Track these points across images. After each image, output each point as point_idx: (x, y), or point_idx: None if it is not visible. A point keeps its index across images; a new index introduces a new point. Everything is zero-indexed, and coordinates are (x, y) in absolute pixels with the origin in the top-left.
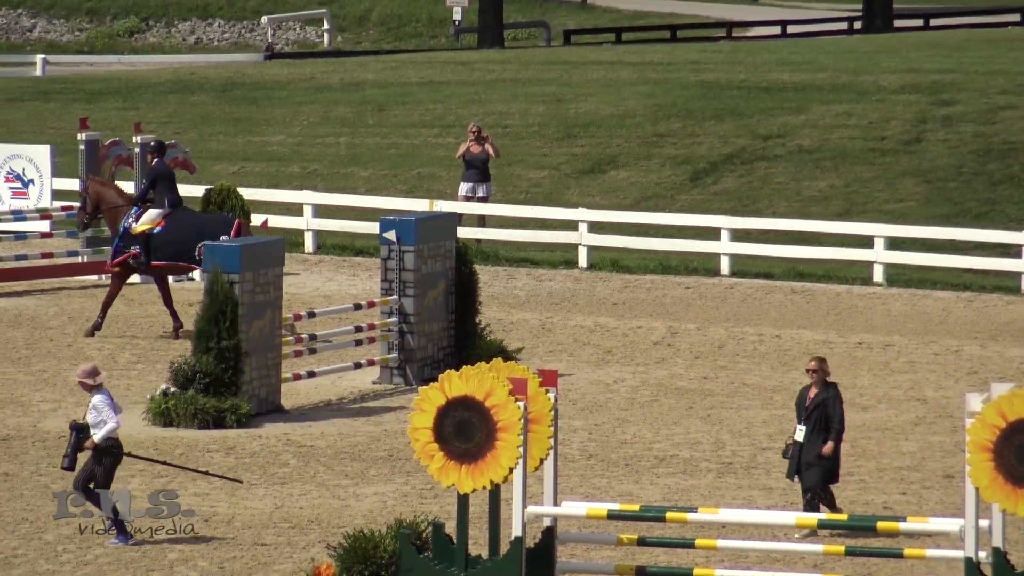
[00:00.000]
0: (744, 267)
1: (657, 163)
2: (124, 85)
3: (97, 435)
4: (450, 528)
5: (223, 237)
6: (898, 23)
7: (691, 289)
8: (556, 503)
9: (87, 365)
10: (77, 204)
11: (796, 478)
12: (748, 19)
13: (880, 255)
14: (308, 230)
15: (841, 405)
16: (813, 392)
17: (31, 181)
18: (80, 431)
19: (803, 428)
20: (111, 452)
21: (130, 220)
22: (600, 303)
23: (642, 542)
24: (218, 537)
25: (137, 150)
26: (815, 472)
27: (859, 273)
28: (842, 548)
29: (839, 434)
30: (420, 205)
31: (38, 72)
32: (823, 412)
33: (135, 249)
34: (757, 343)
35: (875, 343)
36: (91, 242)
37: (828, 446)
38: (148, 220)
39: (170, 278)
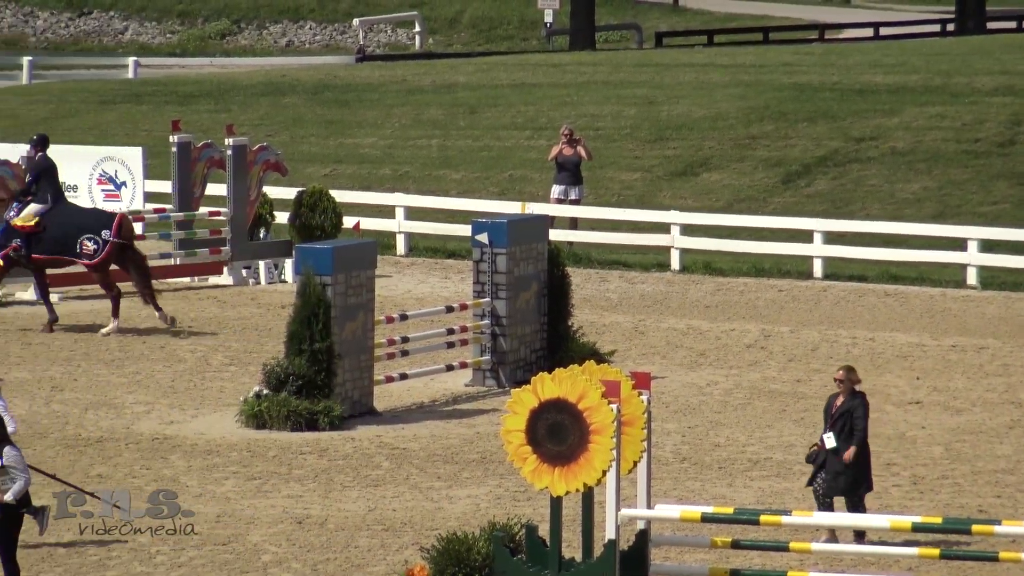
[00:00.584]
0: (837, 269)
1: (750, 165)
2: (216, 87)
3: None
4: (543, 531)
5: (104, 232)
6: (991, 25)
7: (784, 292)
8: (650, 506)
9: None
10: (169, 206)
11: (816, 484)
12: (840, 21)
13: (974, 258)
14: (400, 232)
15: (866, 414)
16: (840, 401)
17: (123, 184)
18: None
19: (831, 436)
20: None
21: (11, 214)
22: (693, 306)
23: (736, 545)
24: (311, 539)
25: (229, 152)
26: (842, 480)
27: (952, 276)
28: (937, 552)
29: (861, 442)
30: (512, 207)
31: (130, 74)
32: (848, 421)
33: (16, 243)
34: (850, 346)
35: (969, 346)
36: (183, 244)
37: (849, 452)
38: (29, 214)
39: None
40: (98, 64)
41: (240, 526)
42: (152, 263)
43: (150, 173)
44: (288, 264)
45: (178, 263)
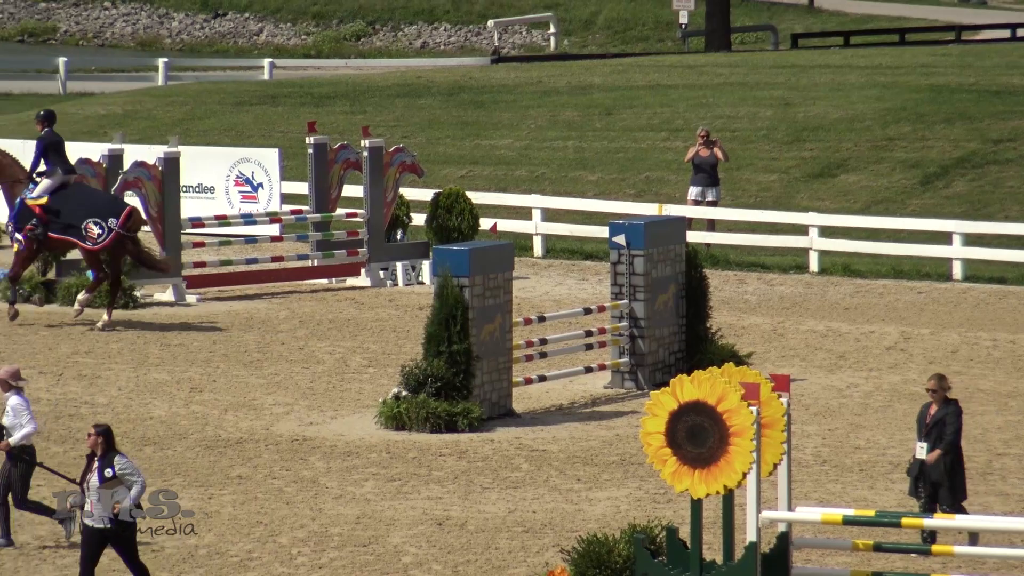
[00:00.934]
0: (977, 272)
1: (887, 167)
2: (351, 89)
3: (13, 437)
4: (684, 533)
5: (111, 220)
6: None
7: (923, 294)
8: (790, 508)
9: (11, 367)
10: (306, 207)
11: (918, 495)
12: (977, 22)
13: None
14: (537, 234)
15: (958, 421)
16: (934, 409)
17: (260, 185)
18: None
19: (924, 445)
20: (24, 459)
21: (27, 193)
22: (832, 308)
23: (878, 548)
24: (452, 541)
25: (366, 154)
26: (939, 490)
27: None
28: None
29: (949, 447)
30: (649, 209)
31: (265, 76)
32: (942, 429)
33: (32, 223)
34: (991, 348)
35: None
36: (321, 246)
37: (933, 455)
38: (42, 191)
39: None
40: (233, 66)
41: (380, 528)
42: (289, 264)
43: (286, 174)
44: (425, 266)
45: (315, 264)
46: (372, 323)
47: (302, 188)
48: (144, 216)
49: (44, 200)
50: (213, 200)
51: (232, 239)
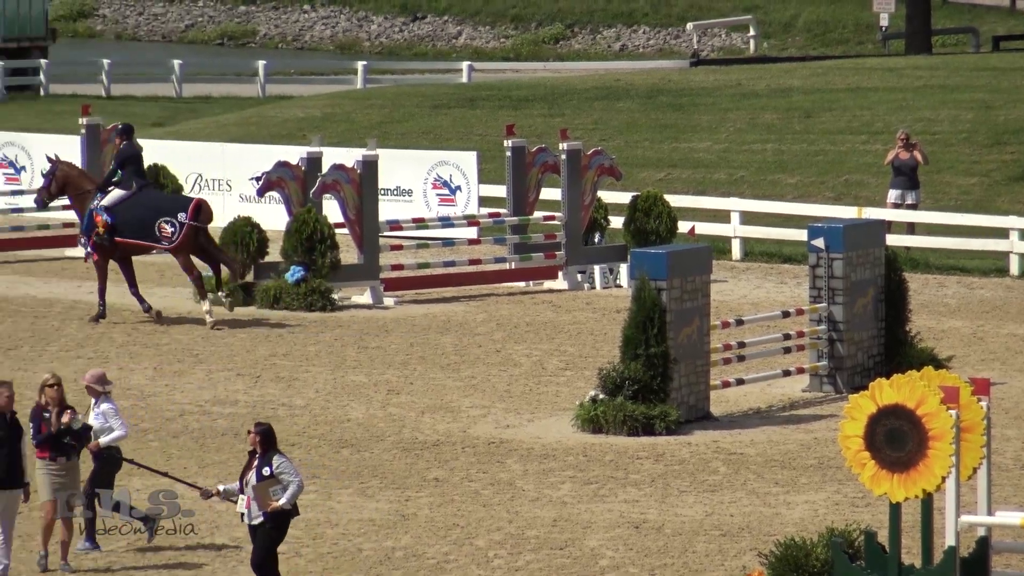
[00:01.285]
0: None
1: None
2: (549, 92)
3: (103, 439)
4: (882, 537)
5: (180, 215)
6: None
7: None
8: (990, 512)
9: (97, 370)
10: (504, 210)
11: None
12: None
13: None
14: (735, 237)
15: None
16: None
17: (458, 188)
18: (84, 431)
19: None
20: (113, 459)
21: (96, 202)
22: None
23: None
24: (649, 544)
25: (564, 157)
26: None
27: None
28: None
29: None
30: (848, 212)
31: (464, 79)
32: None
33: (97, 230)
34: None
35: None
36: (518, 249)
37: None
38: (110, 200)
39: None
40: (432, 68)
41: (577, 531)
42: (487, 267)
43: (484, 177)
44: (623, 269)
45: (513, 267)
46: (569, 326)
47: (500, 191)
48: (211, 209)
49: (109, 209)
50: (411, 203)
51: (429, 242)
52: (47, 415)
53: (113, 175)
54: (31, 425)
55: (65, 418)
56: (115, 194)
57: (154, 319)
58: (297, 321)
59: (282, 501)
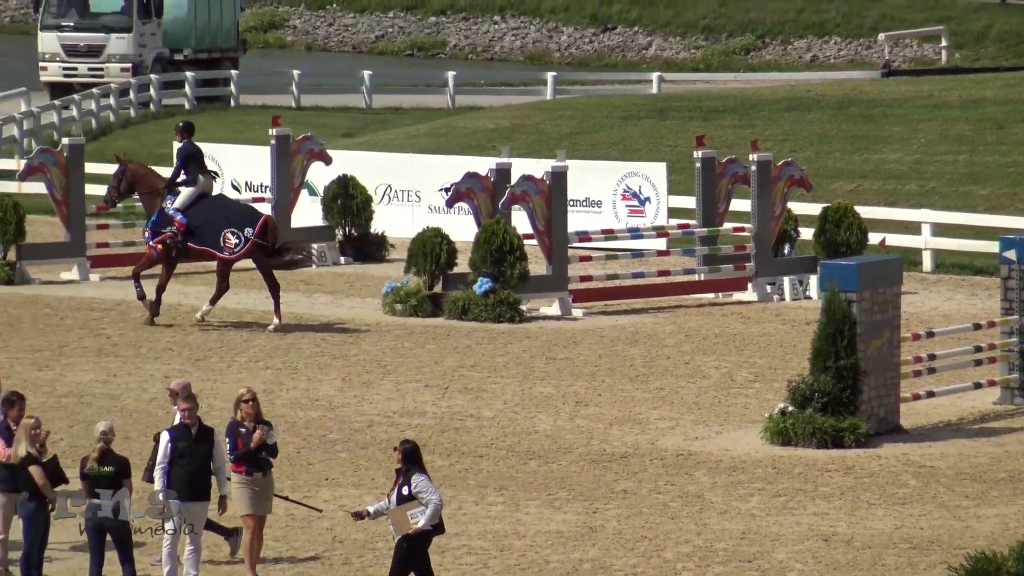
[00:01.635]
0: None
1: None
2: (740, 103)
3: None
4: None
5: (248, 229)
6: None
7: None
8: None
9: (183, 380)
10: (693, 222)
11: None
12: None
13: None
14: (926, 249)
15: None
16: None
17: (647, 199)
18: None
19: None
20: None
21: (167, 203)
22: None
23: None
24: (838, 557)
25: (754, 168)
26: None
27: None
28: None
29: None
30: None
31: (654, 90)
32: None
33: (171, 230)
34: None
35: None
36: (707, 260)
37: None
38: (183, 201)
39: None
40: (622, 79)
41: (765, 543)
42: (676, 279)
43: (673, 188)
44: (813, 280)
45: (702, 279)
46: (758, 337)
47: (689, 202)
48: (278, 226)
49: (184, 211)
50: (600, 214)
51: (619, 253)
52: (243, 430)
53: (178, 173)
54: (227, 440)
55: (260, 434)
56: (185, 194)
57: (145, 308)
58: (485, 332)
59: (421, 523)
